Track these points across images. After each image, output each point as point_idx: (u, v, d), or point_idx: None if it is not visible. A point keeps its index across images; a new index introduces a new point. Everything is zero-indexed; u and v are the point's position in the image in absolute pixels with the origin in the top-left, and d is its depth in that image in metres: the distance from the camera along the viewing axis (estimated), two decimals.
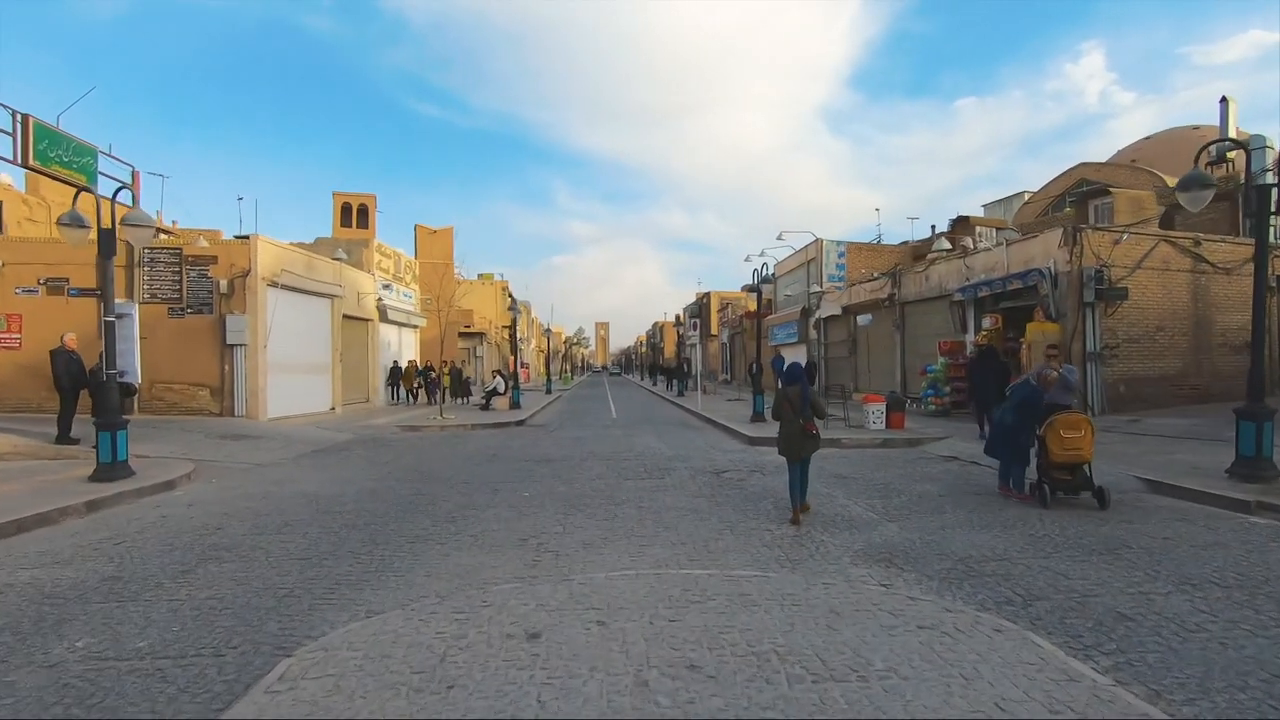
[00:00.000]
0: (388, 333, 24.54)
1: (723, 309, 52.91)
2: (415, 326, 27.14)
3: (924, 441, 12.31)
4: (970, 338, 16.55)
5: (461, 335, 40.78)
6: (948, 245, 16.34)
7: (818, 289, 23.57)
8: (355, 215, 28.23)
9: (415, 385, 24.62)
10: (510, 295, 26.20)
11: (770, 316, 28.08)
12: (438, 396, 21.10)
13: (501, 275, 55.97)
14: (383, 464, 11.05)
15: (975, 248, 16.82)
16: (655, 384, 46.28)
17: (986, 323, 15.87)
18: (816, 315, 25.96)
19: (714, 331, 53.74)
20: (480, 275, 52.97)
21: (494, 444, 13.69)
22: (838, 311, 24.09)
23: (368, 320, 22.52)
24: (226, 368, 15.56)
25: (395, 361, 24.51)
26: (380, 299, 22.96)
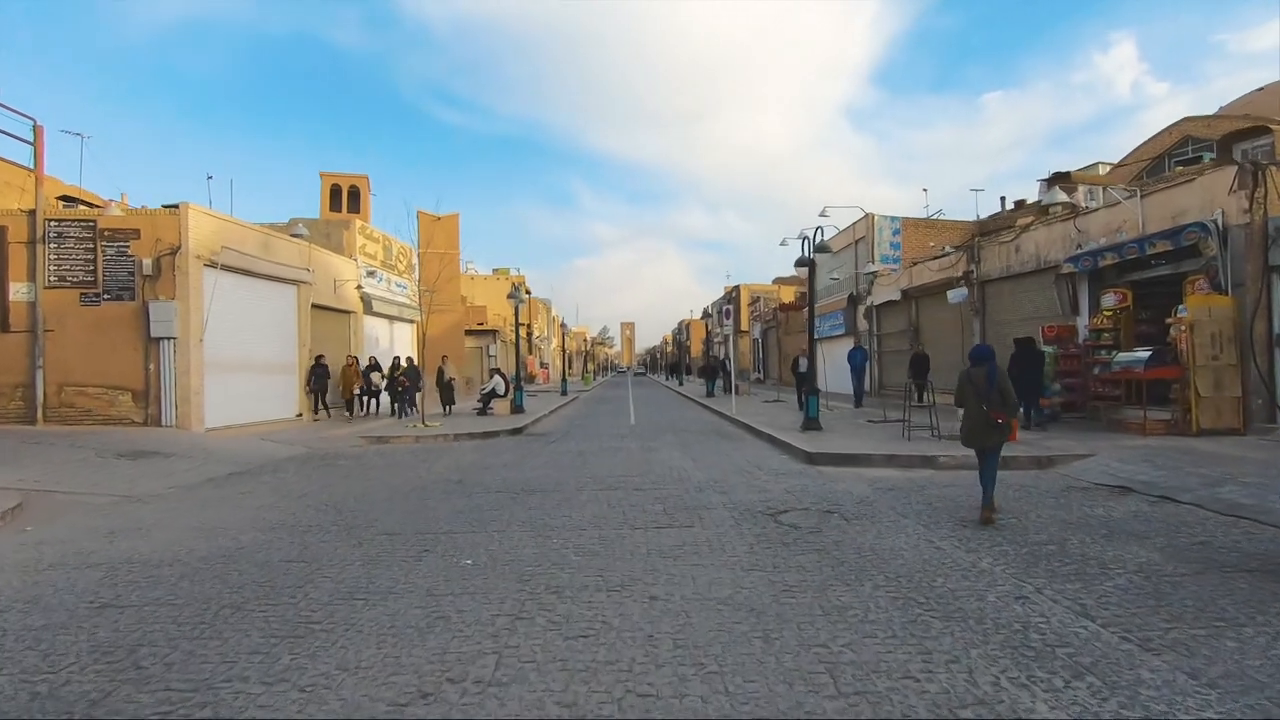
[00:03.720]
0: (375, 327, 21.58)
1: (753, 303, 49.34)
2: (410, 321, 24.17)
3: (1059, 460, 8.79)
4: (1084, 321, 12.92)
5: (471, 334, 37.96)
6: (1062, 197, 12.72)
7: (872, 268, 20.01)
8: (346, 198, 25.36)
9: (357, 391, 17.95)
10: (515, 286, 22.95)
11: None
12: (404, 406, 17.37)
13: (519, 270, 53.10)
14: (299, 496, 7.93)
15: (1085, 206, 13.20)
16: (682, 384, 42.95)
17: (1109, 300, 12.23)
18: (868, 302, 22.37)
19: (744, 327, 50.18)
20: (495, 270, 50.21)
21: (470, 462, 10.52)
22: (895, 297, 20.46)
23: (348, 312, 19.57)
24: (152, 366, 12.64)
25: (320, 358, 16.73)
26: (362, 287, 20.00)
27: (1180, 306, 10.34)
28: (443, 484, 8.56)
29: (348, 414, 17.79)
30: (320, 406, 16.90)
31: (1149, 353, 10.44)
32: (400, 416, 17.26)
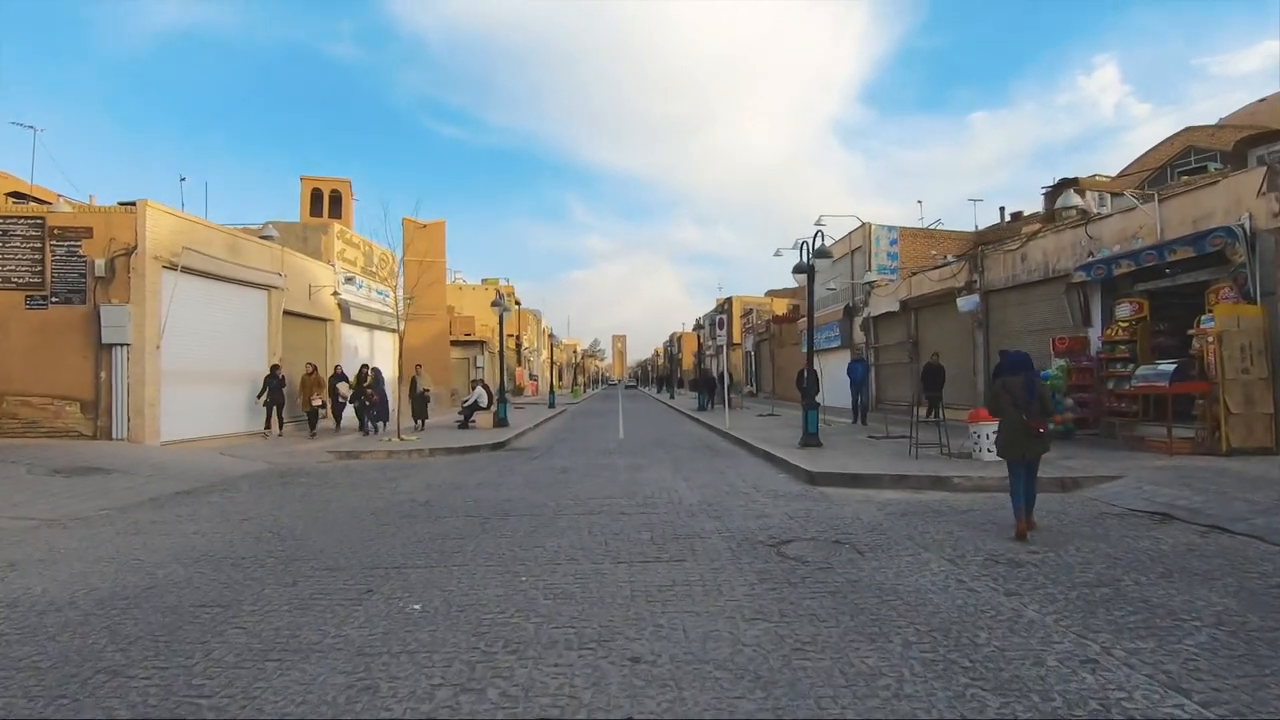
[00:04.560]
0: (354, 336, 20.71)
1: (746, 315, 48.75)
2: (392, 330, 23.29)
3: (1085, 483, 8.06)
4: (1097, 332, 12.26)
5: (458, 344, 37.16)
6: (1077, 201, 12.08)
7: (869, 277, 19.38)
8: (327, 202, 24.56)
9: (316, 405, 15.56)
10: (500, 294, 22.11)
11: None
12: (372, 420, 15.76)
13: (508, 281, 52.31)
14: (243, 520, 7.08)
15: (1096, 212, 12.59)
16: (673, 397, 42.21)
17: (1124, 310, 11.59)
18: (865, 313, 21.72)
19: (736, 340, 49.54)
20: (484, 280, 49.43)
21: (442, 481, 9.69)
22: (894, 308, 19.82)
23: (325, 320, 18.71)
24: (103, 375, 11.75)
25: (275, 367, 15.02)
26: (340, 294, 19.16)
27: (1205, 316, 9.67)
28: (407, 506, 7.72)
29: (311, 430, 15.58)
30: (278, 421, 14.95)
31: (1174, 366, 9.76)
32: (367, 433, 15.58)
